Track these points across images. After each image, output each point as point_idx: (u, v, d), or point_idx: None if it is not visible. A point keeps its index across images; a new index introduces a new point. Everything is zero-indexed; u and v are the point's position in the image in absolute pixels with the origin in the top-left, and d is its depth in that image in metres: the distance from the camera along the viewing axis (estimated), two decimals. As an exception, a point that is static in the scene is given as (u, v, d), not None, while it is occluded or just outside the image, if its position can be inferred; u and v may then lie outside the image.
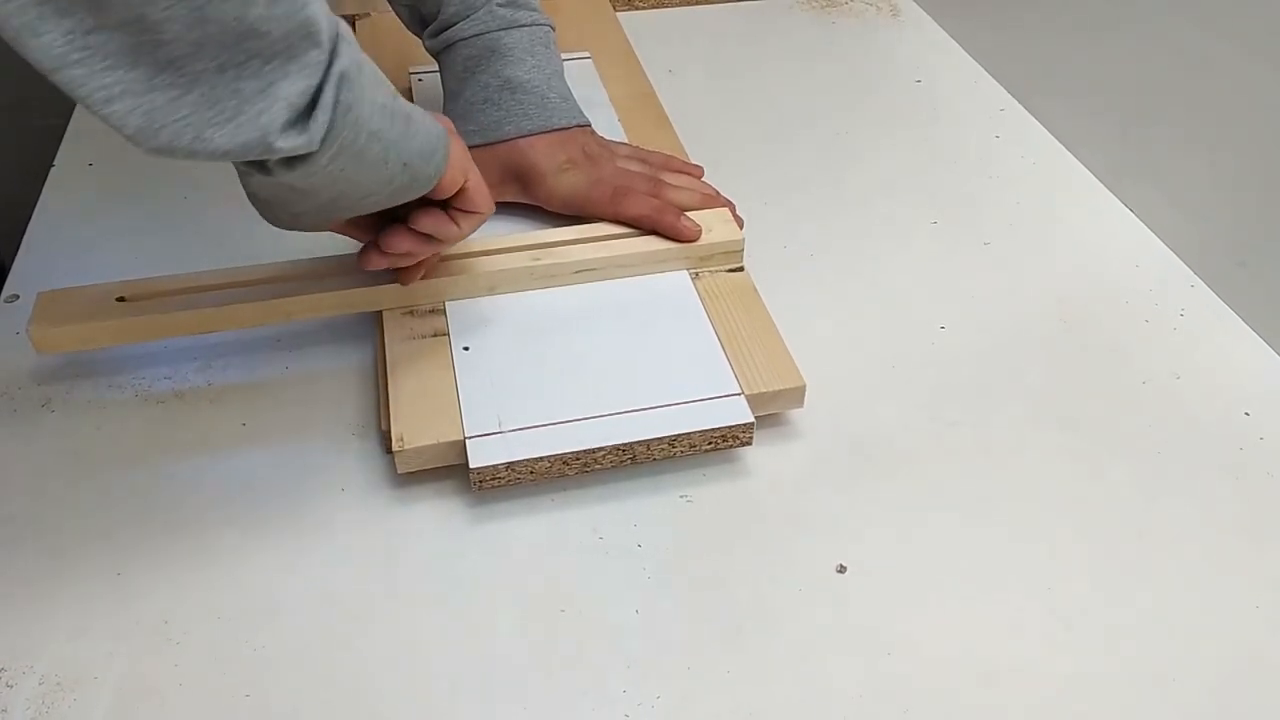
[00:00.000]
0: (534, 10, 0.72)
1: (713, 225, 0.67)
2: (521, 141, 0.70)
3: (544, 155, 0.70)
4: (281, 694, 0.48)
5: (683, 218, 0.67)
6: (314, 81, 0.42)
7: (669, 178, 0.72)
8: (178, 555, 0.53)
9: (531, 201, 0.71)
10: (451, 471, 0.57)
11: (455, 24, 0.71)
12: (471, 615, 0.51)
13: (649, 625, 0.51)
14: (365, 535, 0.54)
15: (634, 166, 0.72)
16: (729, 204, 0.72)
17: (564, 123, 0.71)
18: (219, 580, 0.52)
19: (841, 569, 0.53)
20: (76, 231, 0.73)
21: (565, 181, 0.69)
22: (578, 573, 0.53)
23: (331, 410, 0.61)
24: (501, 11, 0.71)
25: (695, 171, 0.75)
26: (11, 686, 0.48)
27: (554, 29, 0.74)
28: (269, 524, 0.55)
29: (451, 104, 0.72)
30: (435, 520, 0.55)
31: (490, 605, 0.51)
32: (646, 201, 0.68)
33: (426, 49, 0.74)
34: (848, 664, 0.49)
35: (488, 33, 0.70)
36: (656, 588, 0.52)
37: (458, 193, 0.56)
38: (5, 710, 0.47)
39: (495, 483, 0.54)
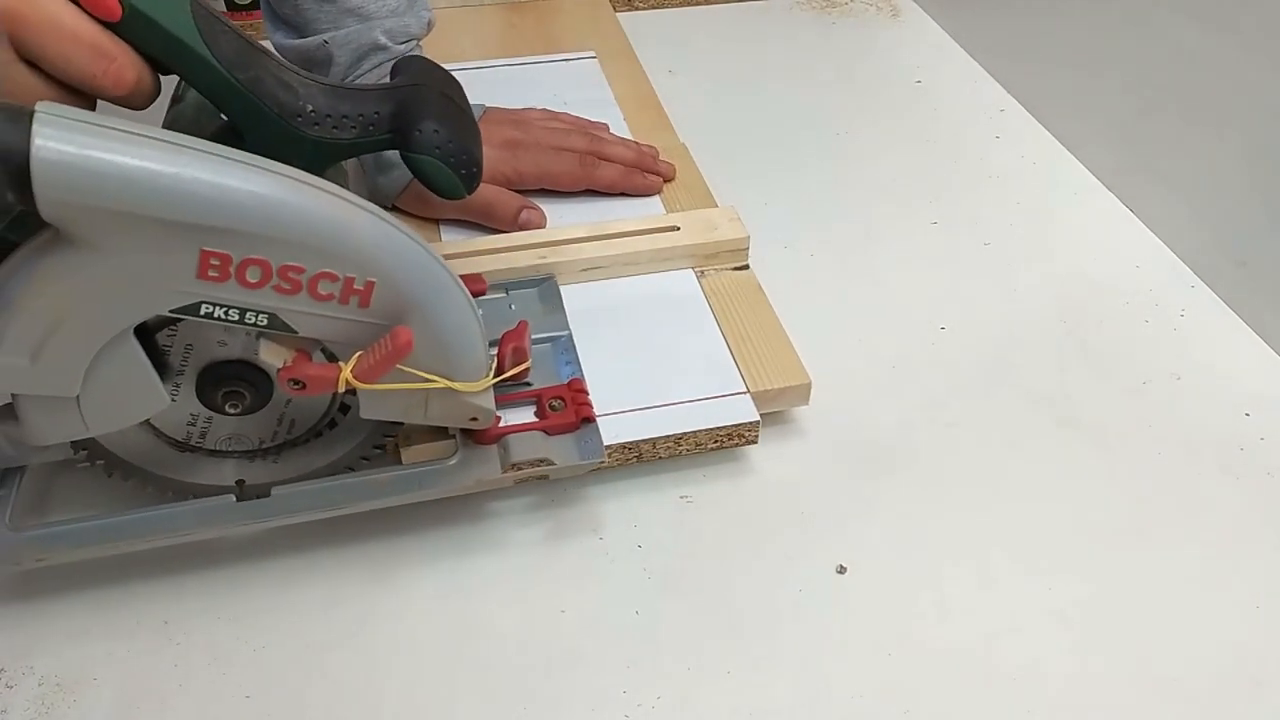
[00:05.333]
0: (403, 42, 0.70)
1: (718, 223, 0.67)
2: None
3: None
4: (281, 694, 0.48)
5: (647, 175, 0.74)
6: None
7: (596, 131, 0.76)
8: (178, 555, 0.53)
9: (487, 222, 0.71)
10: (452, 471, 0.57)
11: None
12: (471, 615, 0.51)
13: (649, 625, 0.51)
14: (364, 535, 0.54)
15: (554, 125, 0.75)
16: (653, 150, 0.77)
17: None
18: (219, 580, 0.52)
19: (841, 569, 0.53)
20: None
21: (504, 169, 0.71)
22: (578, 573, 0.53)
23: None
24: (379, 56, 0.69)
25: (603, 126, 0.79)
26: (11, 687, 0.48)
27: (421, 45, 0.71)
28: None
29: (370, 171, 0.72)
30: (435, 519, 0.55)
31: (490, 605, 0.52)
32: (614, 168, 0.73)
33: None
34: (848, 664, 0.49)
35: None
36: (656, 588, 0.52)
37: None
38: (5, 711, 0.47)
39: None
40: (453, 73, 0.52)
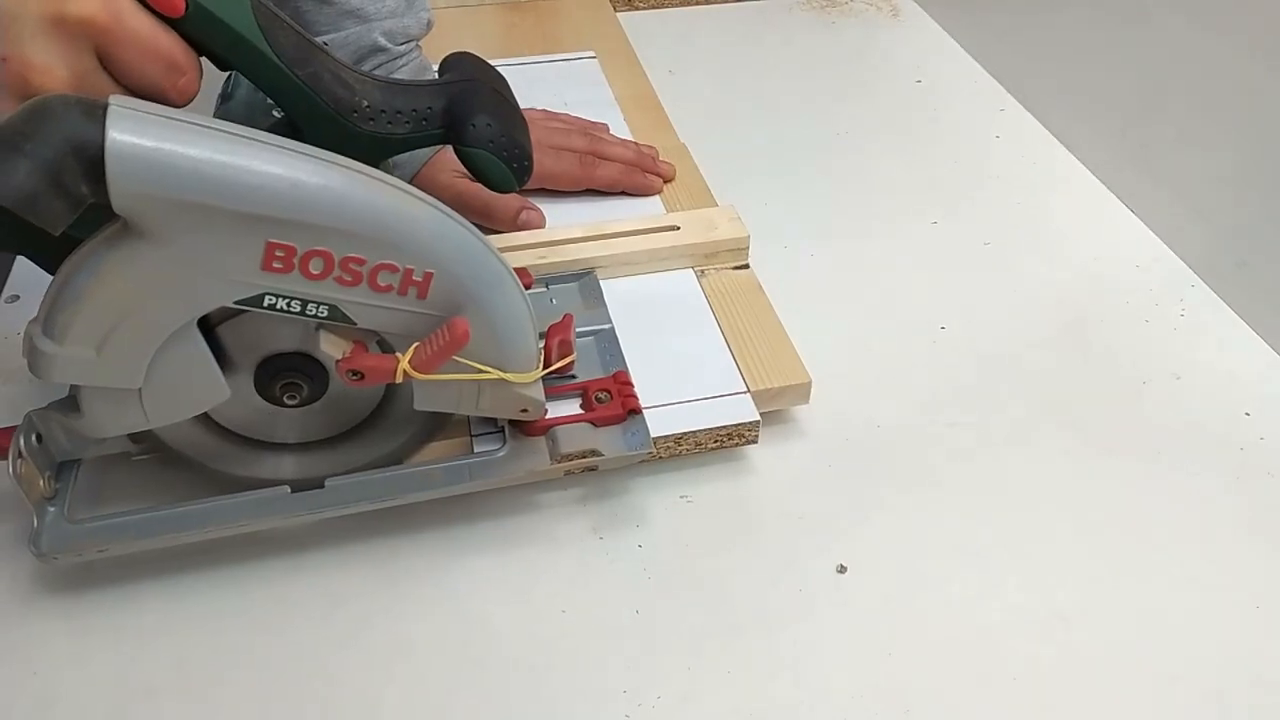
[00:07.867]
0: (402, 43, 0.69)
1: (718, 223, 0.67)
2: (437, 157, 0.69)
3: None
4: (281, 694, 0.48)
5: (647, 175, 0.74)
6: None
7: (596, 131, 0.76)
8: (178, 555, 0.53)
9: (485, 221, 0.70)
10: (452, 471, 0.57)
11: None
12: (471, 615, 0.51)
13: (649, 625, 0.51)
14: (364, 534, 0.54)
15: (554, 125, 0.75)
16: (653, 150, 0.77)
17: None
18: (219, 580, 0.52)
19: (841, 569, 0.53)
20: (77, 231, 0.73)
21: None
22: (578, 573, 0.53)
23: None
24: (379, 58, 0.69)
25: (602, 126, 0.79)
26: (13, 687, 0.48)
27: (420, 45, 0.71)
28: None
29: None
30: (435, 520, 0.55)
31: (490, 605, 0.52)
32: (614, 167, 0.74)
33: None
34: (848, 664, 0.49)
35: None
36: (656, 588, 0.52)
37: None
38: (6, 711, 0.47)
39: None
40: None
